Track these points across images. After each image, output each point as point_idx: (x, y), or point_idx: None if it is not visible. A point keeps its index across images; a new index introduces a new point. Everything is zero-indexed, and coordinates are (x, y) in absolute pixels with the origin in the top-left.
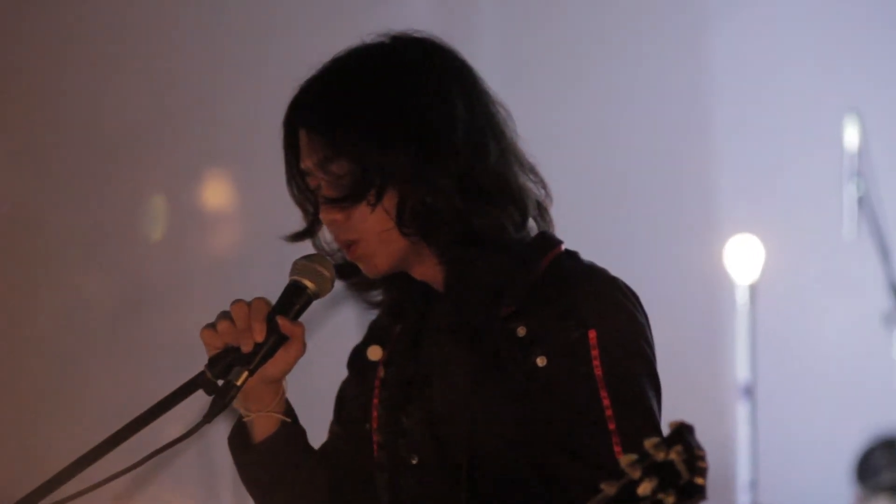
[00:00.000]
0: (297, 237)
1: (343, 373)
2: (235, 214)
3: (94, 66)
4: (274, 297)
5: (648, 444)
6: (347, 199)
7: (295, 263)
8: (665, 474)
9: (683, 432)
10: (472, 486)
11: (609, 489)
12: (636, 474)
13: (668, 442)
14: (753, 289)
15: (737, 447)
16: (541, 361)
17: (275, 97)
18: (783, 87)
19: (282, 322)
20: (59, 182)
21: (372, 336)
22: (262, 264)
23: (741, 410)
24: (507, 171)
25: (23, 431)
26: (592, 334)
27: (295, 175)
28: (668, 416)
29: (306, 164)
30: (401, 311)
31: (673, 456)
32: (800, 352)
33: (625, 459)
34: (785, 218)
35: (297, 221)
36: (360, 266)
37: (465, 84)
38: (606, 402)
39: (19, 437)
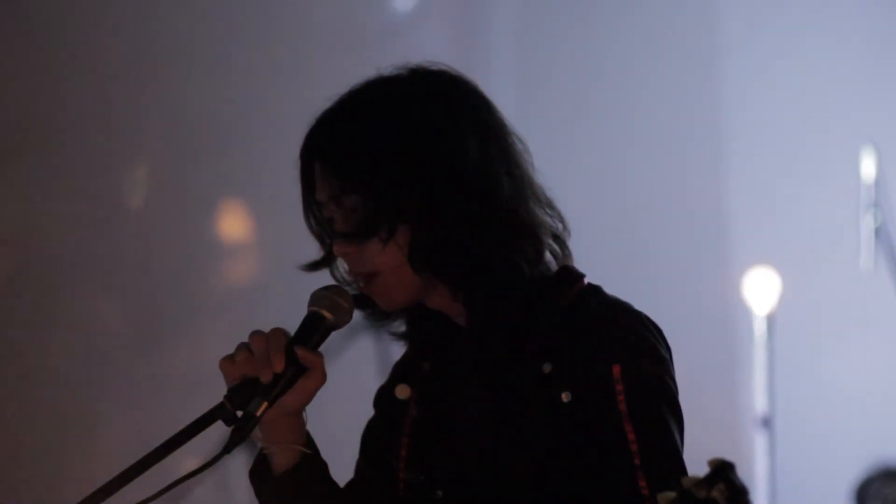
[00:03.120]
0: (314, 267)
1: (362, 404)
2: (253, 244)
3: (112, 93)
4: (292, 328)
5: (688, 482)
6: (359, 234)
7: (313, 294)
8: None
9: (725, 470)
10: None
11: None
12: None
13: (710, 480)
14: (771, 320)
15: (755, 478)
16: (566, 397)
17: (292, 127)
18: (799, 118)
19: (300, 352)
20: (73, 211)
21: (399, 375)
22: (280, 295)
23: (759, 441)
24: (521, 206)
25: (39, 463)
26: (617, 369)
27: (311, 206)
28: (688, 446)
29: (321, 196)
30: (426, 348)
31: (716, 494)
32: (818, 383)
33: (664, 498)
34: (802, 249)
35: (314, 251)
36: (375, 299)
37: (480, 117)
38: (631, 436)
39: (36, 469)
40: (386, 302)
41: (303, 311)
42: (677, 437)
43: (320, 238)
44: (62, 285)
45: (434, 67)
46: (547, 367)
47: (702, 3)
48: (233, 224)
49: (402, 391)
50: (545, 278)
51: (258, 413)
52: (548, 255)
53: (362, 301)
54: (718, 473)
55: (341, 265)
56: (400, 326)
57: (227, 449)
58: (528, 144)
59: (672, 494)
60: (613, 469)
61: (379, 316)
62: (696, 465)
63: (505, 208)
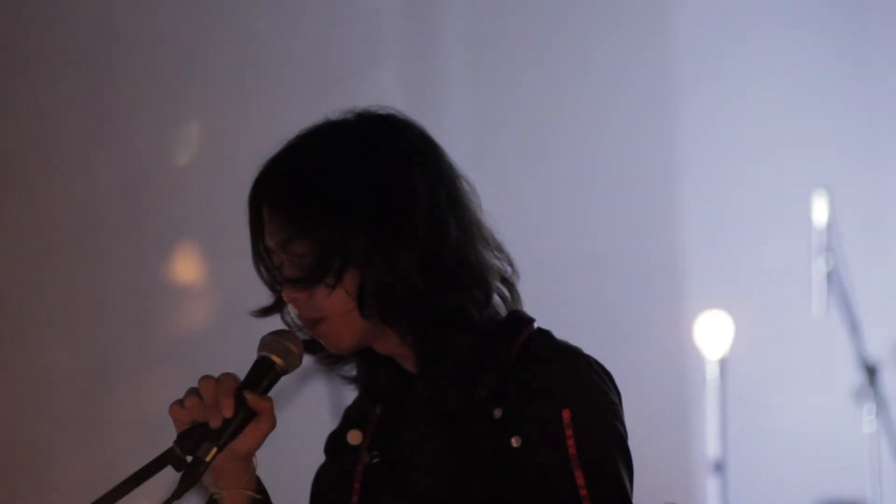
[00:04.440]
0: (264, 312)
1: (313, 448)
2: (204, 289)
3: (60, 140)
4: (242, 373)
5: None
6: (307, 279)
7: (263, 339)
8: None
9: None
10: None
11: None
12: None
13: None
14: (723, 364)
15: None
16: (515, 442)
17: (243, 171)
18: (752, 162)
19: (250, 397)
20: (23, 257)
21: (350, 420)
22: (231, 340)
23: (712, 486)
24: (470, 249)
25: None
26: (566, 414)
27: (260, 253)
28: (640, 490)
29: (270, 242)
30: (379, 393)
31: None
32: (770, 427)
33: None
34: (754, 293)
35: (266, 296)
36: (324, 343)
37: (428, 161)
38: (581, 481)
39: None
40: (334, 347)
41: (254, 357)
42: (627, 481)
43: (270, 284)
44: (10, 329)
45: (382, 111)
46: (497, 412)
47: (656, 48)
48: (185, 268)
49: (354, 437)
50: (495, 322)
51: (208, 458)
52: (497, 299)
53: (313, 346)
54: None
55: (292, 310)
56: (351, 370)
57: (177, 494)
58: (480, 187)
59: None
60: None
61: (330, 360)
62: None
63: (453, 252)
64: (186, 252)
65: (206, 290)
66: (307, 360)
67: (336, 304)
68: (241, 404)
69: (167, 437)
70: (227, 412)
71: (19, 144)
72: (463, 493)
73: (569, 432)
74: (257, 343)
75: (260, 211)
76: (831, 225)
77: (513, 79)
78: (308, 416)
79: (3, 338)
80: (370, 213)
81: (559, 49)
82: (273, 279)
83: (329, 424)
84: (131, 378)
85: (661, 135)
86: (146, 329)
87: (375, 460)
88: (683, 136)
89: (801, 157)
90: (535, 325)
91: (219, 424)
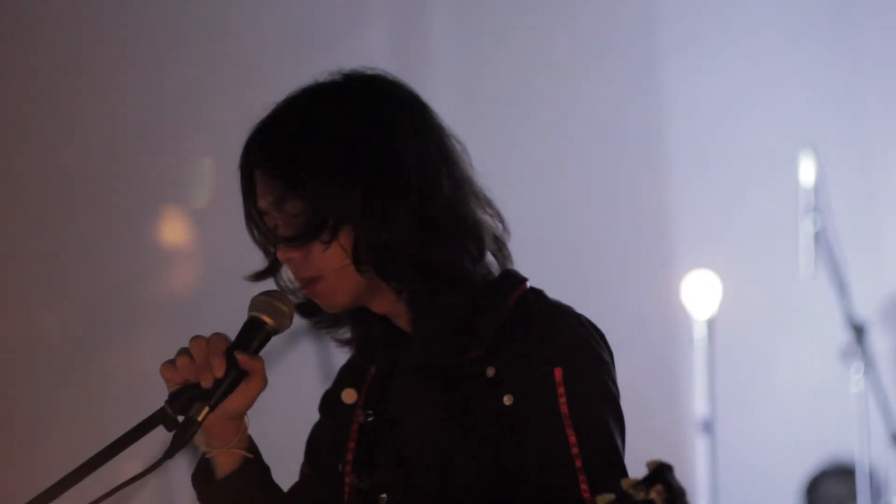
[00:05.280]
0: (258, 276)
1: (304, 408)
2: (194, 251)
3: (50, 100)
4: (233, 335)
5: (626, 483)
6: (302, 237)
7: (253, 300)
8: None
9: (663, 472)
10: None
11: None
12: None
13: (648, 482)
14: (711, 324)
15: (696, 481)
16: (507, 400)
17: (233, 134)
18: (739, 122)
19: (241, 357)
20: (12, 218)
21: (345, 379)
22: (221, 302)
23: (700, 445)
24: (462, 204)
25: None
26: (558, 372)
27: (253, 216)
28: (629, 450)
29: (262, 204)
30: (373, 352)
31: (654, 496)
32: (758, 386)
33: (602, 499)
34: (742, 253)
35: (256, 258)
36: (319, 302)
37: (417, 119)
38: (573, 439)
39: None
40: (330, 305)
41: (244, 318)
42: (618, 439)
43: (264, 248)
44: (1, 294)
45: (370, 72)
46: (490, 371)
47: (641, 6)
48: (174, 230)
49: (349, 395)
50: (487, 281)
51: (199, 418)
52: (488, 256)
53: (307, 309)
54: (656, 475)
55: (285, 274)
56: (345, 333)
57: (169, 454)
58: (468, 146)
59: (610, 496)
60: (555, 471)
61: (324, 323)
62: (638, 468)
63: (446, 207)
64: (175, 215)
65: (195, 252)
66: (296, 321)
67: (331, 261)
68: (233, 364)
69: (156, 400)
70: (219, 372)
71: (6, 114)
72: (456, 450)
73: (560, 390)
74: (247, 305)
75: (251, 173)
76: (818, 185)
77: (499, 38)
78: (297, 377)
79: None
80: (362, 169)
81: (545, 8)
82: (266, 241)
83: (318, 385)
84: (121, 340)
85: (648, 95)
86: (134, 292)
87: (370, 419)
88: (670, 96)
89: (789, 118)
90: (528, 284)
91: (210, 384)
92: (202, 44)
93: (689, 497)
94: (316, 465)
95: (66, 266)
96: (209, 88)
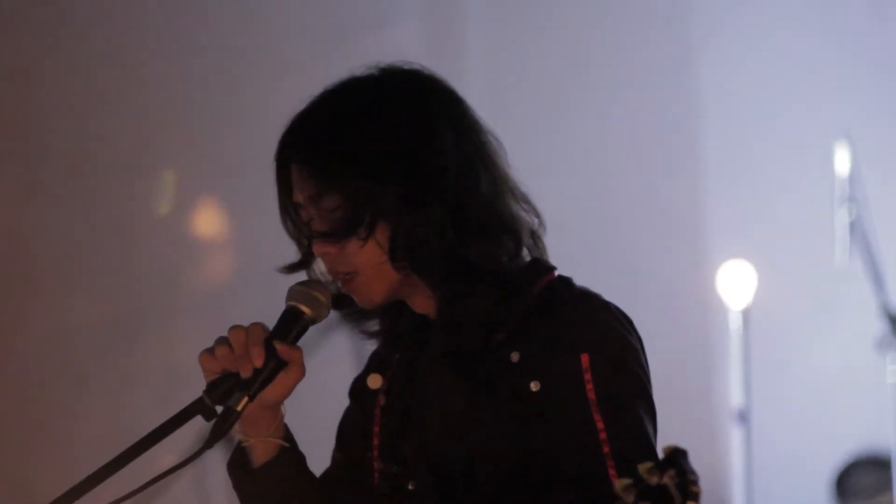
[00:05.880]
0: (292, 269)
1: (338, 398)
2: (230, 242)
3: (86, 91)
4: (269, 325)
5: (642, 468)
6: (339, 233)
7: (291, 289)
8: (659, 498)
9: (677, 457)
10: None
11: None
12: (630, 498)
13: (662, 466)
14: (746, 314)
15: (731, 471)
16: (534, 386)
17: (268, 126)
18: (774, 112)
19: (280, 347)
20: (48, 208)
21: (372, 365)
22: (256, 293)
23: (735, 435)
24: (499, 200)
25: (13, 462)
26: (585, 358)
27: (288, 208)
28: (664, 440)
29: (298, 198)
30: (398, 339)
31: (666, 480)
32: (793, 376)
33: (619, 484)
34: (777, 243)
35: (291, 250)
36: (355, 298)
37: (454, 115)
38: (600, 425)
39: (9, 468)
40: (366, 300)
41: (279, 309)
42: (648, 425)
43: (298, 240)
44: (37, 284)
45: (407, 66)
46: (515, 356)
47: None
48: (210, 222)
49: (374, 381)
50: (514, 269)
51: (239, 408)
52: (525, 251)
53: (340, 301)
54: (671, 460)
55: (319, 266)
56: (372, 326)
57: (209, 444)
58: (502, 139)
59: (627, 481)
60: (583, 457)
61: (355, 315)
62: (662, 452)
63: (483, 203)
64: (211, 206)
65: (233, 243)
66: (332, 312)
67: (368, 257)
68: (271, 354)
69: (192, 390)
70: (258, 361)
71: (38, 99)
72: (481, 435)
73: (587, 377)
74: (283, 295)
75: (287, 167)
76: (854, 174)
77: (533, 31)
78: (332, 368)
79: (29, 292)
80: (399, 165)
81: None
82: (301, 235)
83: (353, 376)
84: (158, 331)
85: (683, 86)
86: (173, 283)
87: (393, 403)
88: (706, 85)
89: (824, 107)
90: (556, 272)
91: (249, 374)
92: (239, 35)
93: (701, 482)
94: (346, 450)
95: (103, 257)
96: (245, 80)
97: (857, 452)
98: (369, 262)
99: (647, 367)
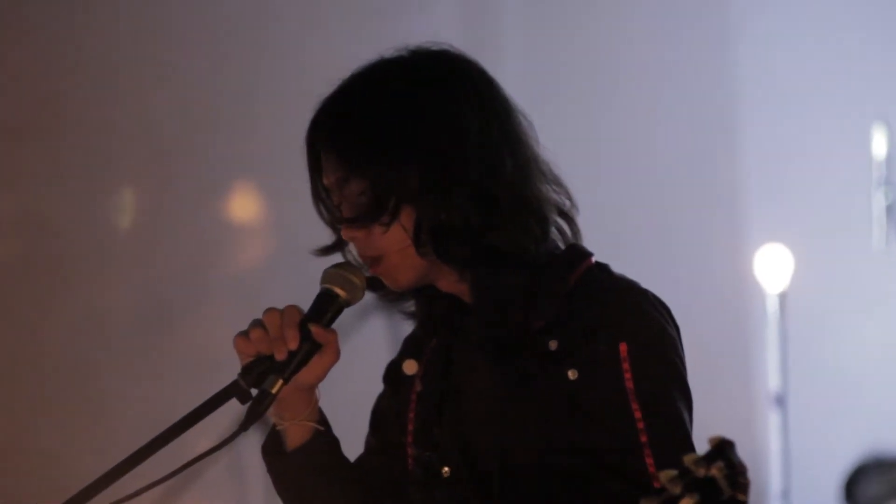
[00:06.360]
0: (326, 251)
1: (373, 381)
2: (262, 225)
3: (117, 73)
4: (303, 308)
5: (688, 459)
6: (363, 218)
7: (326, 272)
8: (706, 490)
9: (725, 448)
10: (504, 499)
11: None
12: (676, 490)
13: (709, 458)
14: (783, 298)
15: (768, 457)
16: (572, 375)
17: (301, 108)
18: (811, 95)
19: (315, 329)
20: (79, 190)
21: (407, 350)
22: (290, 276)
23: (772, 420)
24: (526, 183)
25: (47, 445)
26: (623, 347)
27: (320, 192)
28: (699, 426)
29: (328, 182)
30: (434, 325)
31: (714, 472)
32: (830, 360)
33: (664, 475)
34: (814, 227)
35: (324, 232)
36: (384, 281)
37: (483, 97)
38: (638, 414)
39: (43, 450)
40: (394, 284)
41: (313, 293)
42: (685, 414)
43: (330, 224)
44: (69, 267)
45: (436, 48)
46: (553, 344)
47: None
48: (243, 205)
49: (410, 367)
50: (552, 256)
51: (274, 390)
52: (555, 233)
53: (374, 283)
54: (718, 452)
55: (353, 248)
56: (411, 306)
57: (244, 426)
58: (538, 121)
59: (673, 472)
60: (620, 447)
61: (391, 297)
62: (708, 443)
63: (508, 186)
64: (245, 189)
65: (266, 226)
66: (367, 295)
67: (392, 241)
68: (306, 336)
69: (226, 374)
70: (293, 344)
71: (67, 83)
72: (517, 423)
73: (625, 366)
74: (317, 278)
75: (317, 151)
76: (891, 158)
77: (570, 10)
78: (367, 351)
79: (61, 275)
80: (422, 150)
81: None
82: (333, 218)
83: (388, 359)
84: (192, 315)
85: (721, 68)
86: (206, 266)
87: (429, 389)
88: (743, 68)
89: (861, 90)
90: (594, 259)
91: (284, 356)
92: (273, 15)
93: (750, 474)
94: (380, 436)
95: (136, 241)
96: (279, 61)
97: (864, 456)
98: (394, 246)
99: (684, 355)
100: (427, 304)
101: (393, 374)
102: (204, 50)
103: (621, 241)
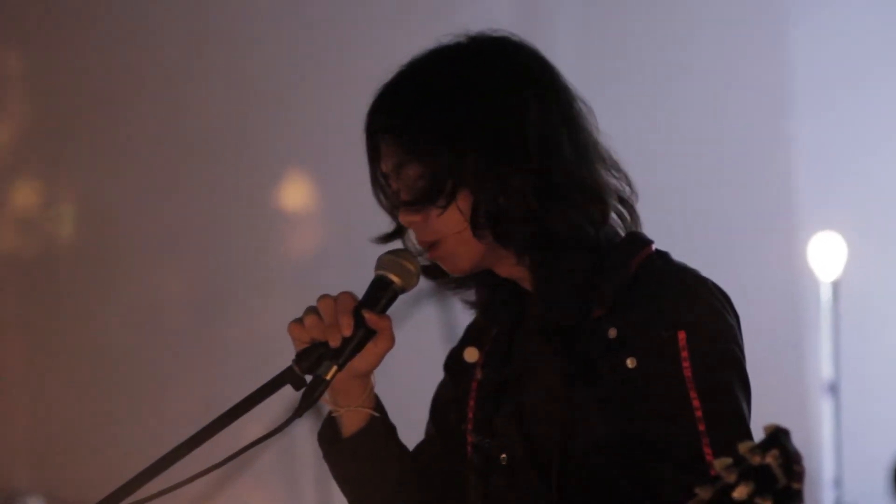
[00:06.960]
0: (385, 239)
1: (428, 368)
2: (316, 214)
3: (173, 66)
4: (357, 295)
5: (743, 448)
6: (420, 201)
7: (380, 258)
8: (761, 479)
9: (780, 436)
10: (562, 486)
11: (704, 493)
12: (731, 478)
13: (764, 446)
14: (837, 286)
15: (821, 445)
16: (631, 363)
17: (357, 97)
18: (866, 82)
19: (368, 316)
20: (135, 181)
21: (468, 338)
22: (343, 263)
23: (825, 408)
24: (585, 168)
25: (103, 432)
26: (682, 335)
27: (378, 179)
28: (754, 414)
29: (385, 168)
30: (495, 313)
31: (769, 460)
32: (884, 348)
33: (719, 463)
34: (867, 215)
35: (379, 220)
36: (442, 266)
37: (541, 82)
38: (696, 403)
39: (100, 437)
40: (452, 268)
41: (367, 280)
42: (743, 403)
43: (390, 211)
44: (125, 255)
45: (495, 34)
46: (612, 332)
47: None
48: (297, 194)
49: (471, 354)
50: (612, 243)
51: (328, 377)
52: (615, 219)
53: (432, 271)
54: (773, 440)
55: (411, 236)
56: (472, 294)
57: (298, 412)
58: (592, 106)
59: (728, 460)
60: (678, 435)
61: (451, 285)
62: (763, 431)
63: (566, 172)
64: (298, 177)
65: (321, 213)
66: (420, 283)
67: (449, 225)
68: (360, 323)
69: (280, 361)
70: (347, 331)
71: (127, 68)
72: (577, 410)
73: (684, 354)
74: (372, 265)
75: (376, 138)
76: None
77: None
78: (421, 338)
79: (117, 264)
80: (480, 134)
81: None
82: (392, 205)
83: (441, 346)
84: (246, 302)
85: (776, 54)
86: (260, 253)
87: (490, 378)
88: (797, 55)
89: None
90: (654, 246)
91: (338, 343)
92: (328, 6)
93: (805, 462)
94: (440, 423)
95: (192, 230)
96: (331, 52)
97: None
98: (451, 230)
99: (743, 343)
100: (489, 292)
101: (454, 361)
102: (258, 42)
103: (676, 230)
